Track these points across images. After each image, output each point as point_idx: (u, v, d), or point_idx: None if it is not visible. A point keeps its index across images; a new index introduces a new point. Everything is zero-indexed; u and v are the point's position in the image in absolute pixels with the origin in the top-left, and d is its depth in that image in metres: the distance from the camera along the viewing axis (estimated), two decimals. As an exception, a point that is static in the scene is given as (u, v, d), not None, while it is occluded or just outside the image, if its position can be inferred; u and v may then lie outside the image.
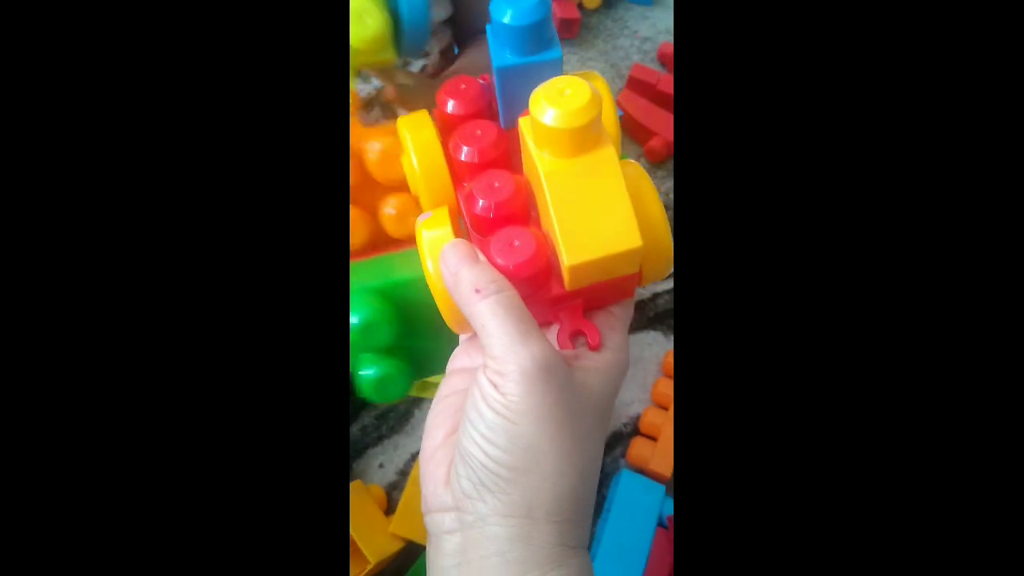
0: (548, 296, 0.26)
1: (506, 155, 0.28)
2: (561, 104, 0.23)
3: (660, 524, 0.49)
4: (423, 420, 0.55)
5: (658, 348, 0.58)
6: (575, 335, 0.26)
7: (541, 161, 0.24)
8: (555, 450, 0.22)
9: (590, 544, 0.47)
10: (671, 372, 0.56)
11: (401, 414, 0.56)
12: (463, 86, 0.30)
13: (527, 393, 0.22)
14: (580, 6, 0.90)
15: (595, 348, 0.26)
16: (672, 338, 0.57)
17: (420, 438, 0.52)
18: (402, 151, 0.30)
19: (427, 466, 0.25)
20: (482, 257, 0.25)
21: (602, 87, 0.28)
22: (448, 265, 0.24)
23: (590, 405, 0.24)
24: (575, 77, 0.25)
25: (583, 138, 0.24)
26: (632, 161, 0.27)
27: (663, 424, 0.53)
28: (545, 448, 0.22)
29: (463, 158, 0.28)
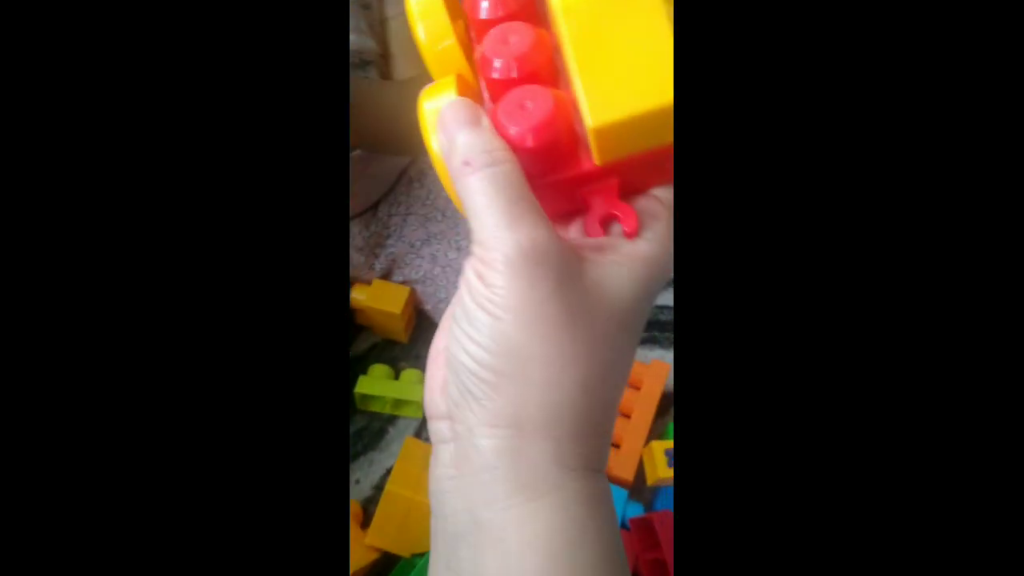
0: (576, 172, 0.21)
1: (534, 10, 0.23)
2: None
3: (623, 526, 0.52)
4: (398, 437, 0.58)
5: (619, 360, 0.61)
6: (608, 220, 0.22)
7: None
8: (546, 355, 0.19)
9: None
10: (633, 382, 0.59)
11: (375, 432, 0.58)
12: None
13: (513, 285, 0.19)
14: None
15: (632, 235, 0.21)
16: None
17: (394, 455, 0.54)
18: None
19: (429, 369, 0.23)
20: (486, 121, 0.20)
21: None
22: (445, 130, 0.21)
23: (607, 305, 0.20)
24: None
25: None
26: None
27: (624, 431, 0.56)
28: (534, 351, 0.19)
29: (483, 15, 0.22)
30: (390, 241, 0.63)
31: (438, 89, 0.22)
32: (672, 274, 0.21)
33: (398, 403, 0.58)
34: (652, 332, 0.64)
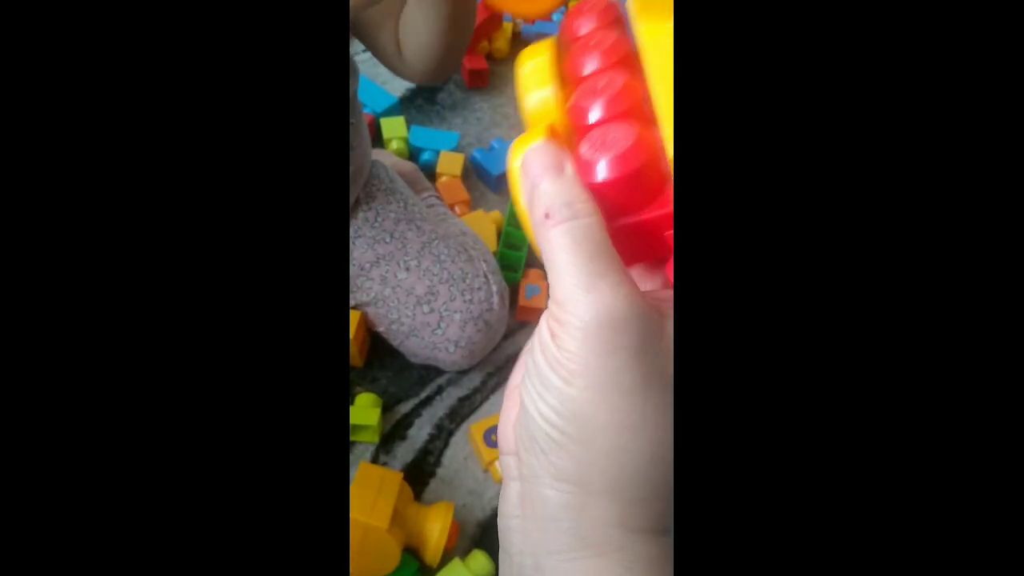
0: (659, 214, 0.20)
1: (630, 59, 0.23)
2: None
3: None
4: (354, 463, 0.57)
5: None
6: None
7: (650, 31, 0.20)
8: (615, 423, 0.19)
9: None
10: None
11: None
12: (590, 3, 0.24)
13: (586, 352, 0.18)
14: (489, 56, 0.95)
15: None
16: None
17: (351, 480, 0.53)
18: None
19: (506, 402, 0.23)
20: (570, 169, 0.20)
21: None
22: (528, 175, 0.20)
23: None
24: None
25: None
26: None
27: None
28: (601, 420, 0.19)
29: (585, 73, 0.22)
30: (341, 265, 0.63)
31: (528, 139, 0.21)
32: None
33: (354, 428, 0.58)
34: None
